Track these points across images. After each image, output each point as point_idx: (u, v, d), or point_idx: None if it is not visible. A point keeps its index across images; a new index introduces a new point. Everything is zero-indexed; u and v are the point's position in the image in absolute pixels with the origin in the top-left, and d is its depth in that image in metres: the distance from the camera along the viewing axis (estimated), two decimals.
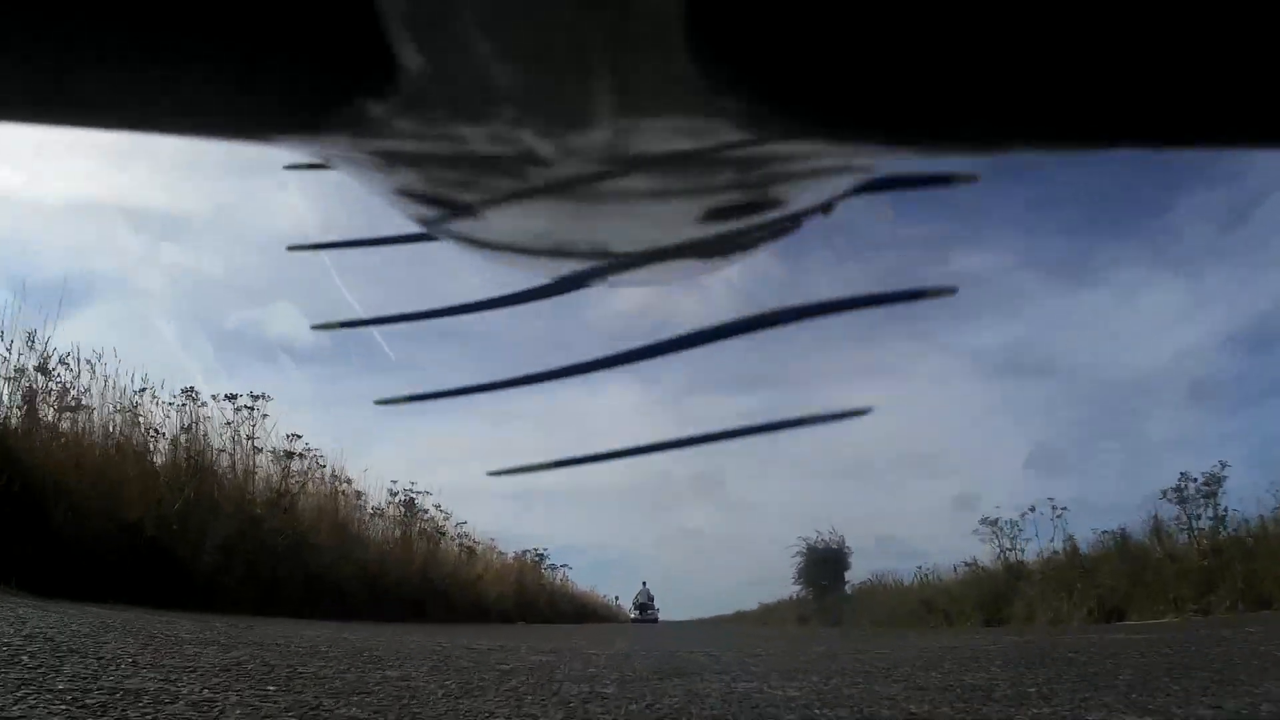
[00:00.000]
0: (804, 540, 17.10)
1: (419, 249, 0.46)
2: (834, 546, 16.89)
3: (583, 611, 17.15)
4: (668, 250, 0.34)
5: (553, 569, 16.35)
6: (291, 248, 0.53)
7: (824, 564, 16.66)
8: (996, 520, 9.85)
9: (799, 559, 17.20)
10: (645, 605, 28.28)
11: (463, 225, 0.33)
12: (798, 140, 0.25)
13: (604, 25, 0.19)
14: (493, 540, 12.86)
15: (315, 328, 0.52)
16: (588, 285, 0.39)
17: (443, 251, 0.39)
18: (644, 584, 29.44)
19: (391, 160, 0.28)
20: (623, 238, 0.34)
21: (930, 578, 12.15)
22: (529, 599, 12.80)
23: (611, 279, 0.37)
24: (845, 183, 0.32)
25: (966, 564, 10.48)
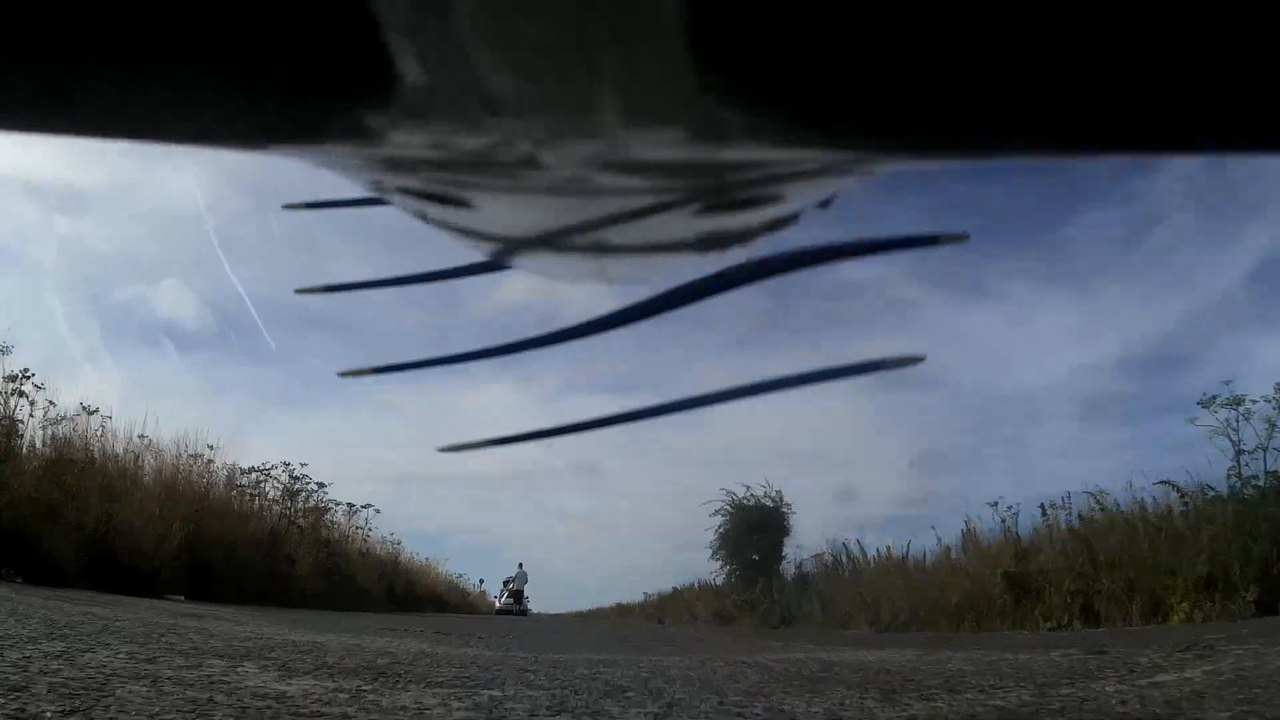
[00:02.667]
0: (728, 496, 12.35)
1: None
2: (770, 504, 12.23)
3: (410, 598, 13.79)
4: (666, 247, 0.35)
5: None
6: (299, 291, 0.61)
7: (757, 531, 11.97)
8: None
9: (721, 523, 12.37)
10: (519, 593, 24.02)
11: (457, 216, 0.33)
12: (796, 146, 0.25)
13: (603, 32, 0.19)
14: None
15: (342, 374, 0.54)
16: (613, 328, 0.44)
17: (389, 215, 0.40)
18: (520, 565, 25.20)
19: (389, 165, 0.28)
20: (620, 235, 0.34)
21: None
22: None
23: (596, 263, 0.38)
24: (843, 183, 0.32)
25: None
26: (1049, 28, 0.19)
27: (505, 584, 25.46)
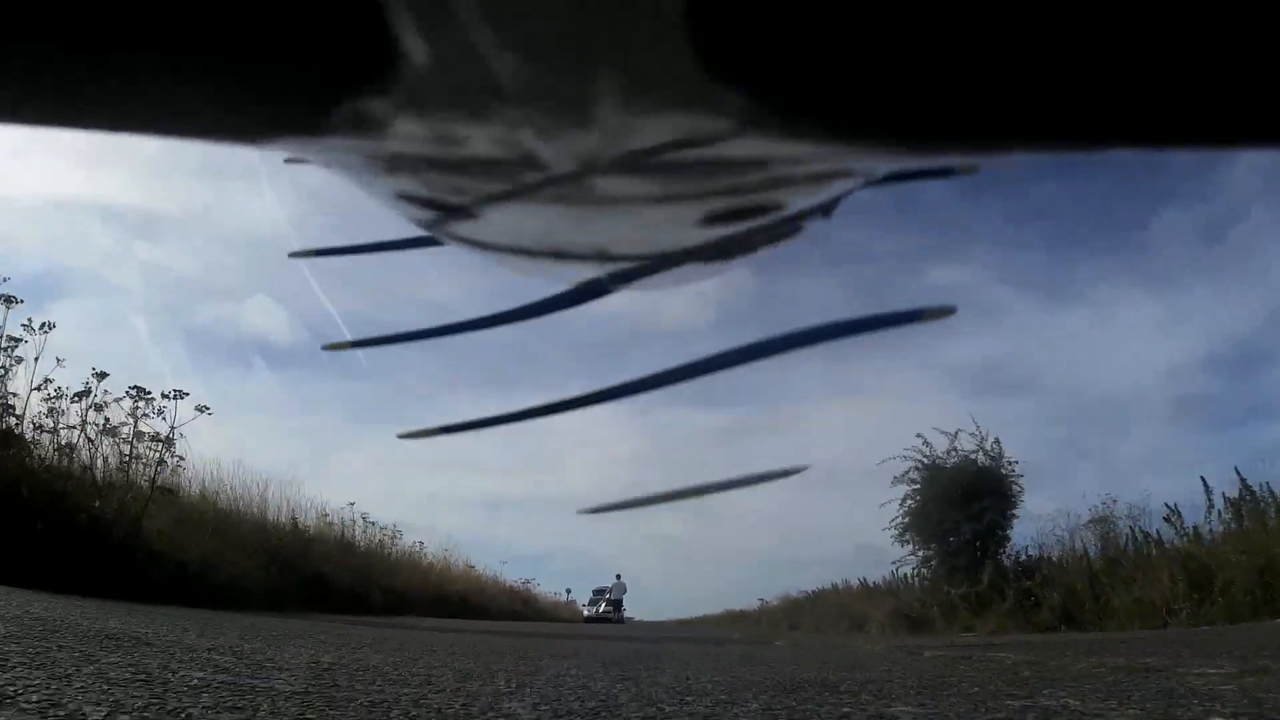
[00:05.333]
0: (918, 453, 9.15)
1: (421, 253, 0.49)
2: (986, 462, 8.84)
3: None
4: (670, 255, 0.35)
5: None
6: (293, 254, 0.57)
7: (969, 499, 8.52)
8: None
9: (910, 494, 9.10)
10: (618, 602, 23.87)
11: (462, 227, 0.33)
12: (797, 142, 0.24)
13: (606, 23, 0.19)
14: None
15: (326, 348, 0.54)
16: (601, 296, 0.41)
17: (442, 255, 0.42)
18: (618, 576, 25.03)
19: (391, 164, 0.28)
20: (623, 241, 0.34)
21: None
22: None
23: (619, 285, 0.39)
24: (845, 185, 0.32)
25: None
26: (1048, 23, 0.19)
27: (596, 593, 25.06)
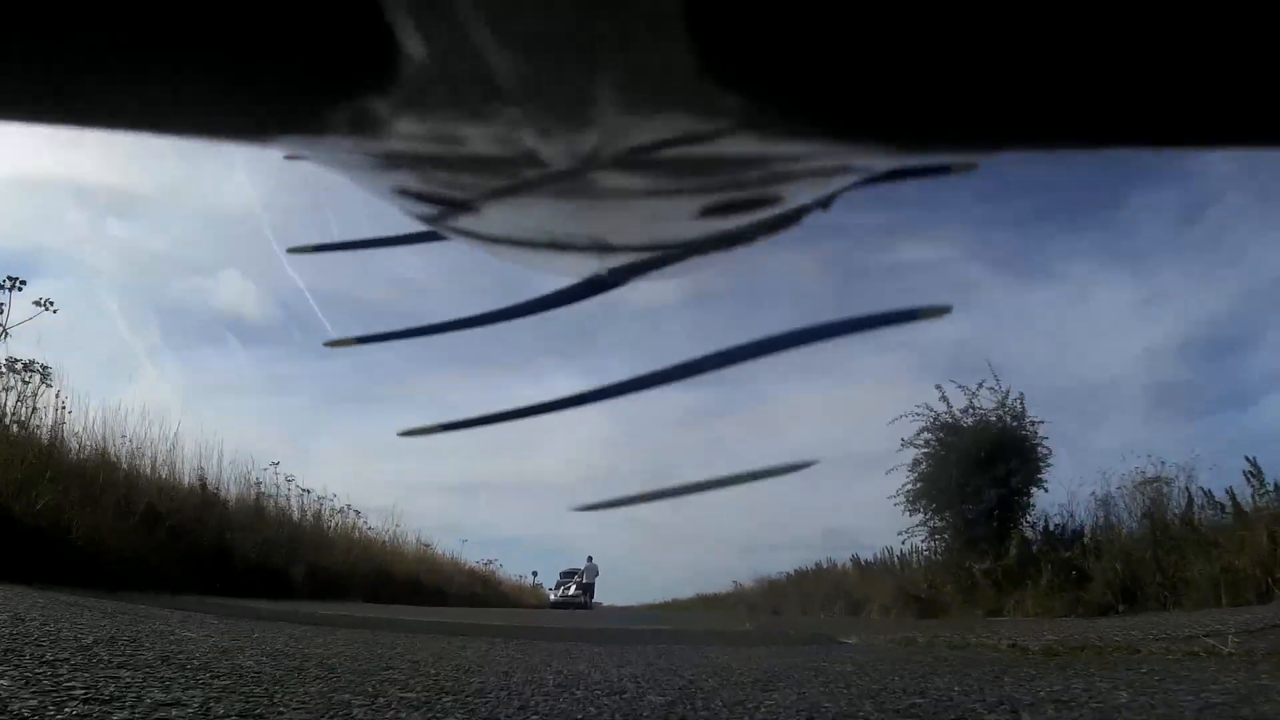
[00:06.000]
0: (931, 411, 7.94)
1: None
2: (1009, 421, 7.60)
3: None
4: (669, 246, 0.35)
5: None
6: (292, 250, 0.57)
7: (988, 463, 7.26)
8: None
9: (920, 458, 7.87)
10: (590, 586, 22.65)
11: (462, 221, 0.33)
12: (796, 140, 0.24)
13: (606, 23, 0.19)
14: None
15: (328, 344, 0.54)
16: (604, 290, 0.41)
17: (441, 249, 0.44)
18: (590, 558, 23.68)
19: (391, 161, 0.28)
20: (621, 233, 0.34)
21: None
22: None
23: (623, 280, 0.39)
24: (843, 181, 0.32)
25: None
26: (1045, 23, 0.19)
27: (564, 575, 23.75)
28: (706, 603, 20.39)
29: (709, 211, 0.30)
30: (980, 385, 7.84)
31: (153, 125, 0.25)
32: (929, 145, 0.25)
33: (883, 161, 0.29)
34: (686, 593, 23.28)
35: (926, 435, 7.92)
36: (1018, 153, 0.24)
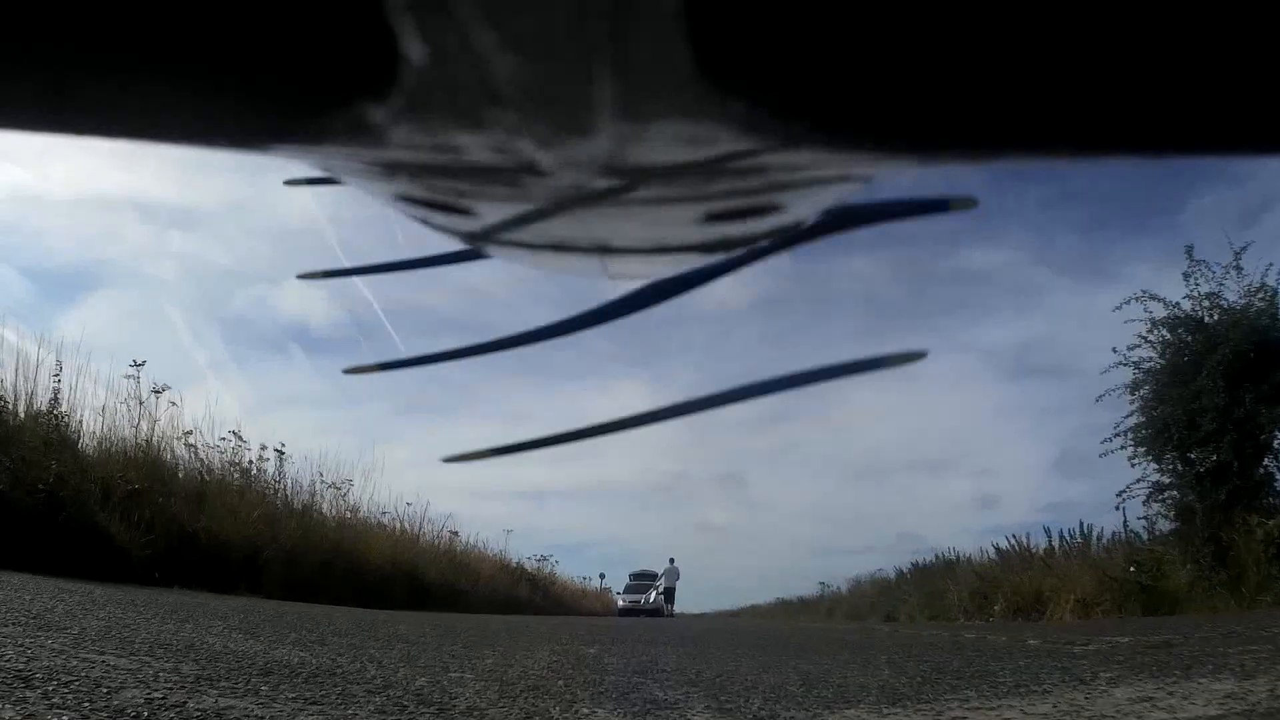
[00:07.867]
0: (1151, 308, 5.60)
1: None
2: (1272, 316, 5.20)
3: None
4: (669, 247, 0.36)
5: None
6: (301, 276, 0.60)
7: (1245, 371, 4.81)
8: None
9: (1139, 376, 5.51)
10: (671, 590, 20.83)
11: (462, 222, 0.33)
12: (798, 148, 0.25)
13: (605, 30, 0.19)
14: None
15: (347, 371, 0.55)
16: (642, 309, 0.45)
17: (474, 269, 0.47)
18: (671, 560, 21.84)
19: (391, 169, 0.28)
20: (624, 237, 0.35)
21: None
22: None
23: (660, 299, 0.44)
24: (845, 190, 0.32)
25: None
26: (1050, 28, 0.18)
27: (635, 578, 22.48)
28: (789, 609, 18.32)
29: (714, 217, 0.30)
30: (1233, 262, 5.34)
31: (148, 133, 0.25)
32: (933, 153, 0.24)
33: (886, 169, 0.28)
34: (764, 598, 22.38)
35: (1155, 337, 5.39)
36: (1023, 160, 0.23)
